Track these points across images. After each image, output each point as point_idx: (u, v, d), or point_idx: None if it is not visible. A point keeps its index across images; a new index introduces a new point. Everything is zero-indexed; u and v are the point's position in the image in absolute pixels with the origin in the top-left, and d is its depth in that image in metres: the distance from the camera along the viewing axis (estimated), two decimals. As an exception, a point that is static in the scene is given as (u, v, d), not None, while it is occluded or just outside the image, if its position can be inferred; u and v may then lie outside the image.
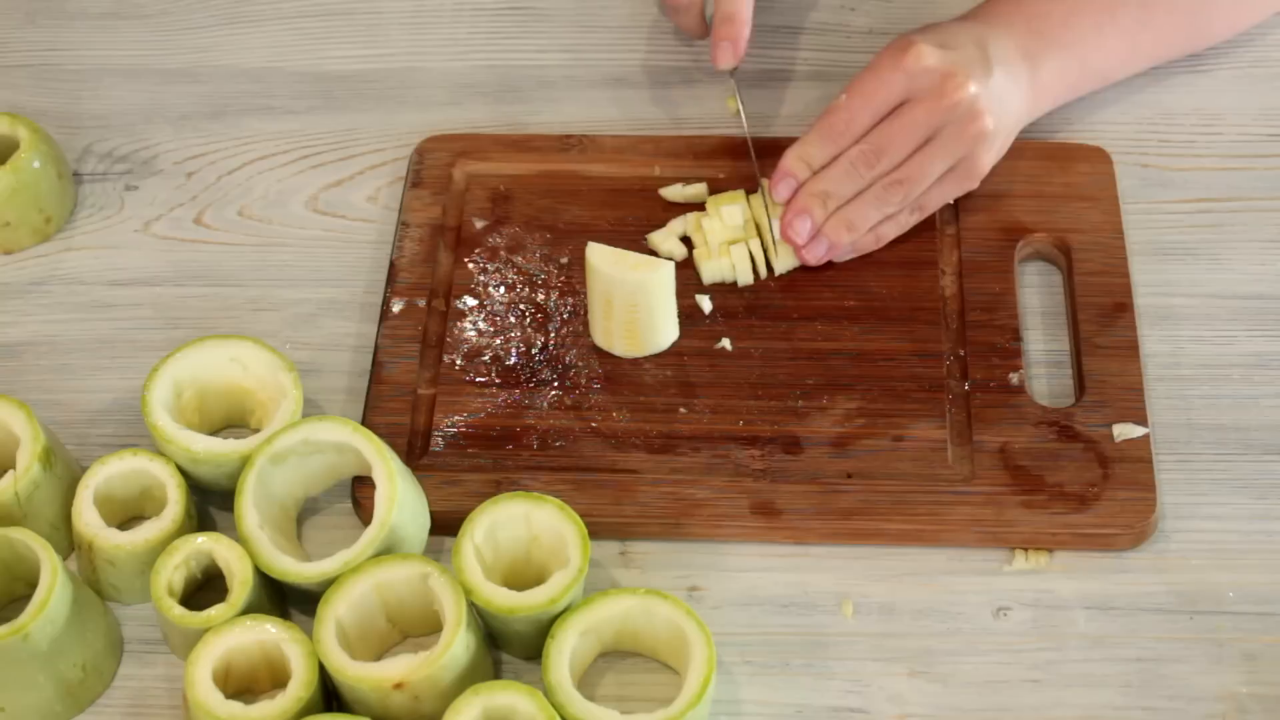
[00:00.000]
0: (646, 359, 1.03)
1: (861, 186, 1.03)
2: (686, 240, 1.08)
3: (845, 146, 1.04)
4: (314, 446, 0.95)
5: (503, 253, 1.08)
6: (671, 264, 1.01)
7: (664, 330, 1.03)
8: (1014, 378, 1.01)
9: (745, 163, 1.11)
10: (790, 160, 1.05)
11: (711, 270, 1.06)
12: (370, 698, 0.87)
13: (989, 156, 1.04)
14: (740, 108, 1.11)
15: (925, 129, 1.02)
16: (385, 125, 1.17)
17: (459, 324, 1.05)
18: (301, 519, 0.99)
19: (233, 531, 0.93)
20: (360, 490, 0.98)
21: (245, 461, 0.94)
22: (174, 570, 0.91)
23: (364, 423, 1.00)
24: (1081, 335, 1.02)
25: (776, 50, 1.20)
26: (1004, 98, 1.03)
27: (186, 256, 1.11)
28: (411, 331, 1.04)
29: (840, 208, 1.04)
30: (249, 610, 0.90)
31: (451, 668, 0.87)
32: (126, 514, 0.98)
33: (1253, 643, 0.92)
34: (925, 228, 1.07)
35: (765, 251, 1.06)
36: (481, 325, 1.05)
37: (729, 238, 1.06)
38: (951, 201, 1.07)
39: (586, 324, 1.04)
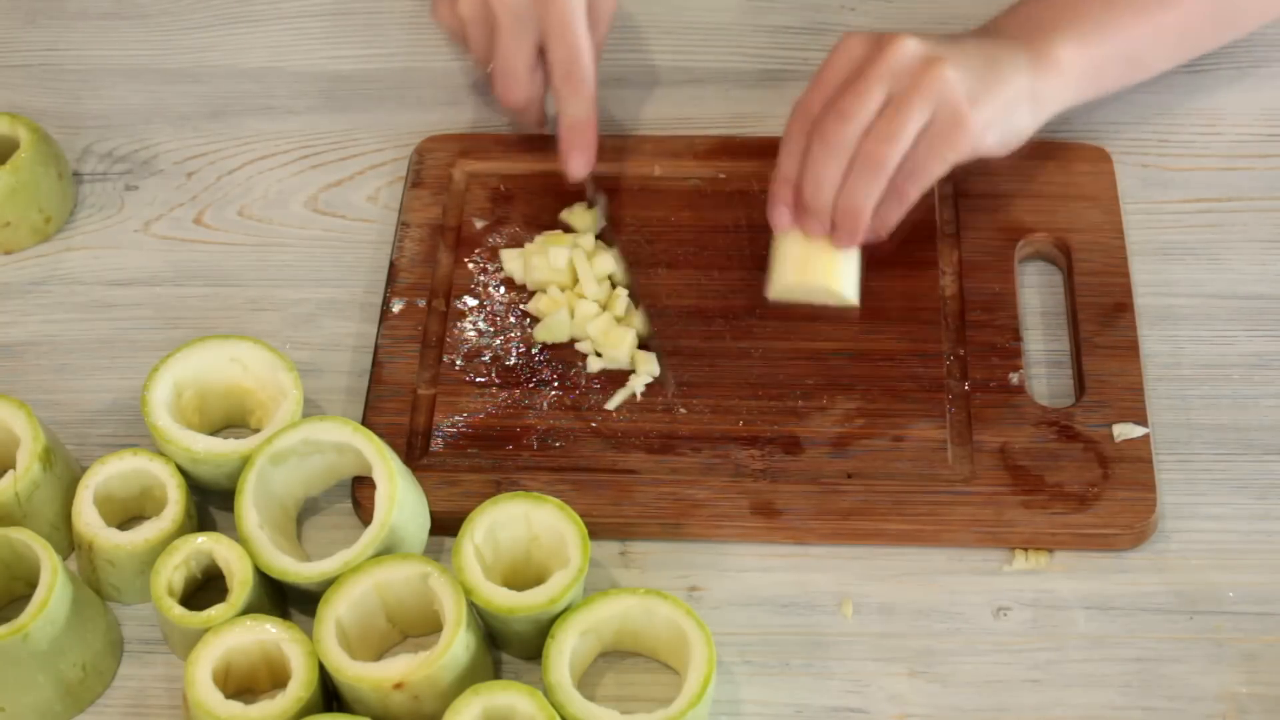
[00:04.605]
0: (646, 359, 1.03)
1: (841, 158, 0.99)
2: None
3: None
4: (314, 446, 0.95)
5: (503, 253, 1.08)
6: None
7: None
8: (1014, 378, 1.01)
9: (745, 163, 1.11)
10: (775, 187, 1.02)
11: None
12: (370, 698, 0.87)
13: (968, 106, 0.98)
14: (600, 212, 1.08)
15: (875, 81, 0.98)
16: (385, 125, 1.17)
17: (459, 324, 1.05)
18: (301, 519, 0.99)
19: (233, 531, 0.93)
20: (360, 490, 0.98)
21: (245, 461, 0.94)
22: (174, 570, 0.91)
23: (364, 423, 1.00)
24: (1081, 335, 1.02)
25: (776, 50, 1.20)
26: (968, 50, 1.00)
27: (186, 256, 1.11)
28: (411, 331, 1.04)
29: (838, 195, 1.00)
30: (249, 610, 0.90)
31: (451, 668, 0.87)
32: (126, 514, 0.98)
33: (1253, 643, 0.92)
34: (925, 227, 1.07)
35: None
36: (481, 325, 1.05)
37: (552, 279, 1.05)
38: (953, 199, 1.07)
39: (586, 324, 1.05)
